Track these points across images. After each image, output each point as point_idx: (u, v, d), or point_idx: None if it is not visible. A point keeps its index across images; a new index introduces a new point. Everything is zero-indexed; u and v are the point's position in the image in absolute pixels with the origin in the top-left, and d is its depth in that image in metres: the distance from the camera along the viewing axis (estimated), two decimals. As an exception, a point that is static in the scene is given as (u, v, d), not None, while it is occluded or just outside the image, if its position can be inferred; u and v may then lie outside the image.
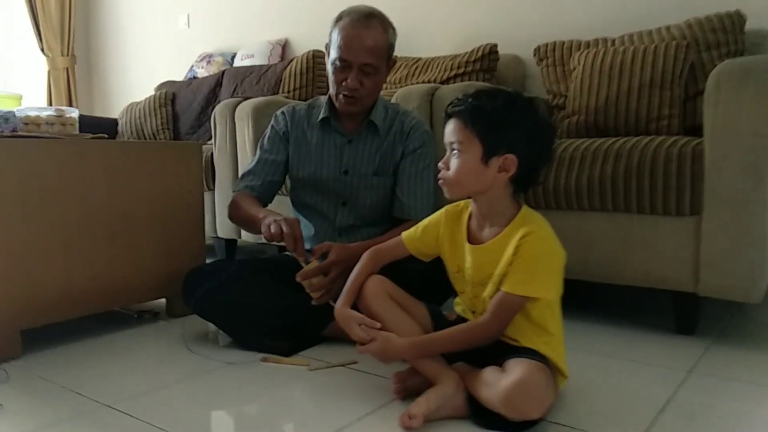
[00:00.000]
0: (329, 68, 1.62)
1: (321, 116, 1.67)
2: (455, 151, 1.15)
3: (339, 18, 1.59)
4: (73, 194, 1.55)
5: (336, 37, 1.57)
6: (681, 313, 1.62)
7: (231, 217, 1.69)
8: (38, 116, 1.59)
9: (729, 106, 1.43)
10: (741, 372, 1.36)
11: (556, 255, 1.14)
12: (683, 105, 1.89)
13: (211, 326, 1.63)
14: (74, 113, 1.66)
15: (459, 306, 1.30)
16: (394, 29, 1.63)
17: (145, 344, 1.61)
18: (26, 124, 1.60)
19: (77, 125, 1.67)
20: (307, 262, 1.44)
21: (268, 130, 1.74)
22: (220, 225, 2.57)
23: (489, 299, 1.16)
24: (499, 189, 1.16)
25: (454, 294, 1.32)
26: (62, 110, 1.63)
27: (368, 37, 1.55)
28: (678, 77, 1.86)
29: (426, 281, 1.41)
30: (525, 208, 1.18)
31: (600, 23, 2.38)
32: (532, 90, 2.47)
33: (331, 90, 1.64)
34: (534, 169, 1.16)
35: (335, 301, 1.43)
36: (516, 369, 1.02)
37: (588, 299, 1.96)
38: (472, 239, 1.21)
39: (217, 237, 2.62)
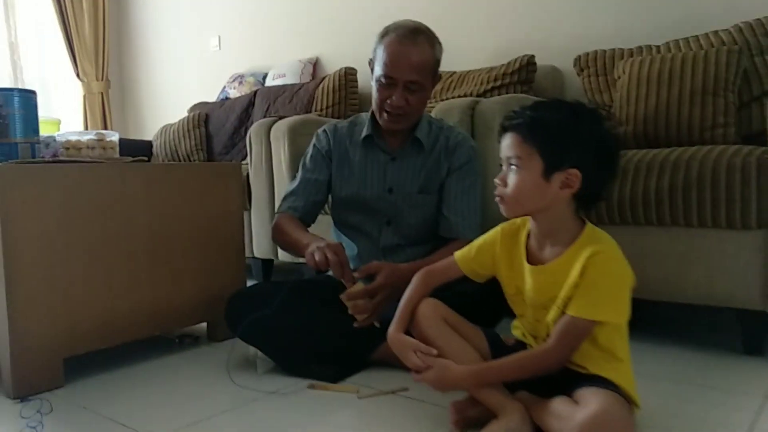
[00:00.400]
0: (373, 85, 1.58)
1: (364, 134, 1.63)
2: (513, 167, 1.09)
3: (384, 33, 1.55)
4: (115, 218, 1.53)
5: (381, 54, 1.53)
6: (749, 333, 1.52)
7: (274, 240, 1.65)
8: (79, 140, 1.58)
9: (799, 112, 1.35)
10: (824, 397, 1.26)
11: (626, 276, 1.07)
12: (737, 112, 1.80)
13: (252, 350, 1.58)
14: (114, 137, 1.65)
15: (518, 330, 1.24)
16: (440, 44, 1.58)
17: (188, 371, 1.57)
18: (67, 148, 1.59)
19: (117, 149, 1.65)
20: (354, 283, 1.39)
21: (309, 149, 1.71)
22: (256, 245, 2.54)
23: (553, 323, 1.09)
24: (561, 206, 1.10)
25: (510, 316, 1.26)
26: (102, 134, 1.62)
27: (415, 54, 1.51)
28: (732, 83, 1.78)
29: (477, 303, 1.35)
30: (589, 226, 1.11)
31: (641, 30, 2.31)
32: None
33: (375, 107, 1.59)
34: (599, 184, 1.09)
35: (380, 323, 1.38)
36: (592, 401, 0.95)
37: (645, 319, 1.87)
38: (532, 259, 1.15)
39: (254, 257, 2.59)
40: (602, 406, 0.93)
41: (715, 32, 1.97)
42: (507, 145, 1.11)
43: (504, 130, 1.12)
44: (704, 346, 1.63)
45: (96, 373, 1.54)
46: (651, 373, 1.41)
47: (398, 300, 1.26)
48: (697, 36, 2.00)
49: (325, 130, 1.71)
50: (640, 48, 2.10)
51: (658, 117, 1.82)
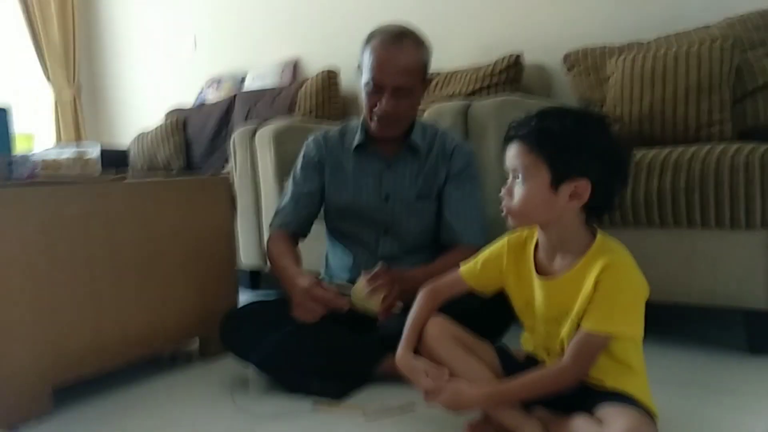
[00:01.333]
0: (362, 91, 1.53)
1: (356, 142, 1.58)
2: (519, 178, 1.05)
3: (370, 38, 1.51)
4: (100, 239, 1.46)
5: (368, 59, 1.49)
6: (755, 333, 1.51)
7: (269, 260, 1.61)
8: (56, 160, 1.50)
9: (802, 110, 1.33)
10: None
11: (641, 287, 1.04)
12: (732, 108, 1.79)
13: (249, 367, 1.52)
14: (95, 153, 1.57)
15: (528, 343, 1.20)
16: (427, 46, 1.54)
17: (183, 393, 1.51)
18: (45, 168, 1.51)
19: (99, 165, 1.57)
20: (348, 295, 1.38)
21: (299, 161, 1.65)
22: (243, 255, 2.47)
23: (567, 338, 1.06)
24: (570, 217, 1.06)
25: (517, 325, 1.22)
26: (82, 150, 1.54)
27: (401, 58, 1.46)
28: (726, 79, 1.76)
29: (483, 315, 1.32)
30: (601, 235, 1.08)
31: (629, 25, 2.29)
32: (562, 100, 2.37)
33: (365, 114, 1.54)
34: (609, 193, 1.06)
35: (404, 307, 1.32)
36: (617, 421, 0.91)
37: (650, 321, 1.86)
38: (541, 271, 1.11)
39: (241, 268, 2.52)
40: (629, 427, 0.90)
41: (706, 27, 1.95)
42: (512, 155, 1.07)
43: (509, 139, 1.08)
44: (709, 346, 1.61)
45: (86, 400, 1.47)
46: (659, 377, 1.36)
47: (406, 309, 1.22)
48: (687, 31, 1.99)
49: (315, 139, 1.65)
50: (630, 44, 2.07)
51: (653, 115, 1.80)
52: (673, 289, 1.55)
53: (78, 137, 4.41)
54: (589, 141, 1.03)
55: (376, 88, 1.48)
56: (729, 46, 1.79)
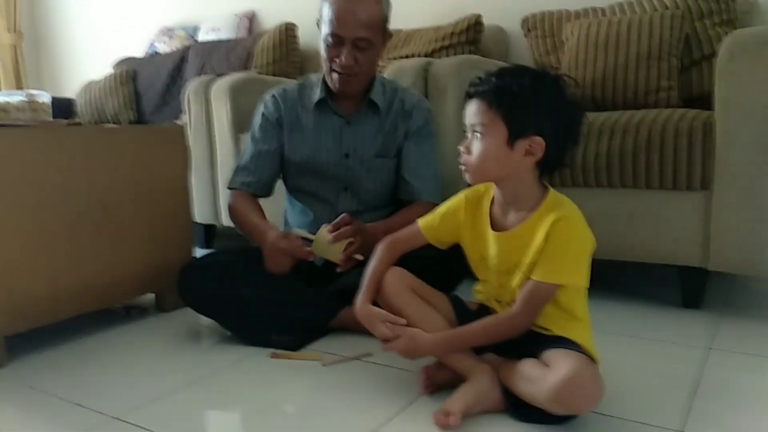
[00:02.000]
0: (322, 45, 1.52)
1: (317, 98, 1.57)
2: (477, 134, 1.09)
3: None
4: (52, 187, 1.43)
5: (327, 12, 1.47)
6: (688, 288, 1.62)
7: (232, 220, 1.61)
8: (7, 102, 1.45)
9: (743, 79, 1.41)
10: (761, 346, 1.36)
11: (588, 240, 1.10)
12: (679, 76, 1.87)
13: (206, 320, 1.54)
14: (46, 98, 1.52)
15: (481, 294, 1.25)
16: (388, 0, 1.54)
17: (139, 344, 1.52)
18: (-7, 111, 1.46)
19: (50, 111, 1.53)
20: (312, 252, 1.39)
21: (258, 118, 1.63)
22: (197, 210, 2.45)
23: (517, 288, 1.11)
24: (525, 173, 1.10)
25: (471, 278, 1.27)
26: (33, 95, 1.49)
27: (361, 10, 1.45)
28: (675, 48, 1.84)
29: (438, 268, 1.36)
30: (552, 191, 1.13)
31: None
32: (519, 62, 2.40)
33: (325, 69, 1.54)
34: (561, 151, 1.11)
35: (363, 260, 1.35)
36: (562, 364, 0.98)
37: (593, 276, 1.96)
38: (496, 226, 1.16)
39: (195, 222, 2.50)
40: (574, 369, 0.96)
41: (658, -4, 2.01)
42: (472, 112, 1.10)
43: (468, 96, 1.11)
44: (647, 300, 1.72)
45: (40, 350, 1.46)
46: (602, 327, 1.45)
47: (364, 263, 1.25)
48: (641, 0, 2.04)
49: (273, 96, 1.63)
50: (586, 10, 2.12)
51: (605, 80, 1.86)
52: (616, 247, 1.64)
53: (19, 86, 4.21)
54: (544, 100, 1.06)
55: (336, 40, 1.47)
56: (678, 16, 1.85)
